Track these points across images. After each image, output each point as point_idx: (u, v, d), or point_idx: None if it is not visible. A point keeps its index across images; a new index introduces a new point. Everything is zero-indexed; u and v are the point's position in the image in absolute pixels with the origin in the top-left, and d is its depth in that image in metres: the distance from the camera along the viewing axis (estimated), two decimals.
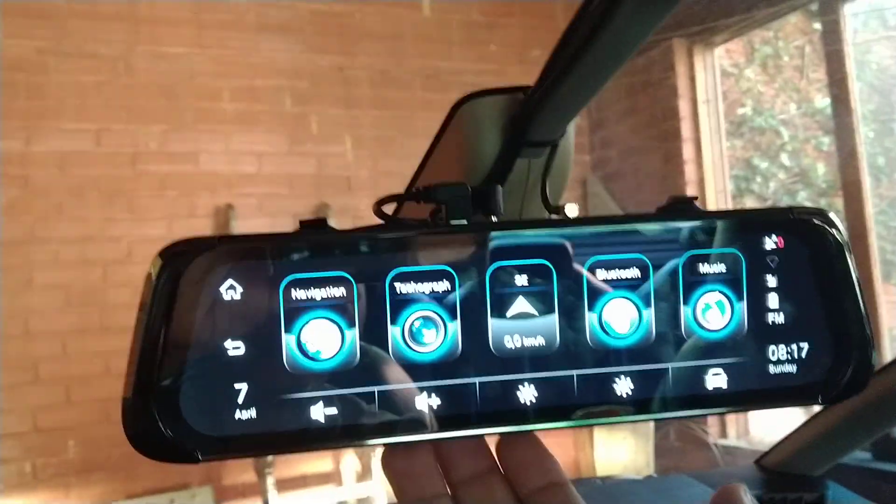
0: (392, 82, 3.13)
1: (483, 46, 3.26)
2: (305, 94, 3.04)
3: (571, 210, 0.30)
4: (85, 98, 2.74)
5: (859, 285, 0.32)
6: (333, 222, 0.30)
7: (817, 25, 2.72)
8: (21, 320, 2.61)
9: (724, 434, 2.86)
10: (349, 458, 2.82)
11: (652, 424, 2.98)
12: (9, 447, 2.56)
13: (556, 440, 3.25)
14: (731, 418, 2.86)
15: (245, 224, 2.84)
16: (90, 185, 2.73)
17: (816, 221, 0.32)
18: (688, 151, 2.99)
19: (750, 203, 3.27)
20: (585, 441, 3.23)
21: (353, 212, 3.01)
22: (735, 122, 3.35)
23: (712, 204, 3.04)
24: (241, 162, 2.93)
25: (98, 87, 2.76)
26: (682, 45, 3.01)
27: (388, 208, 0.33)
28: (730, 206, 3.12)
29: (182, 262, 0.28)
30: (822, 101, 2.89)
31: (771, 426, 2.74)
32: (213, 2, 2.92)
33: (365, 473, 2.79)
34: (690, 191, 2.99)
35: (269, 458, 2.62)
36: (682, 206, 0.31)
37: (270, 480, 2.63)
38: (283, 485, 2.70)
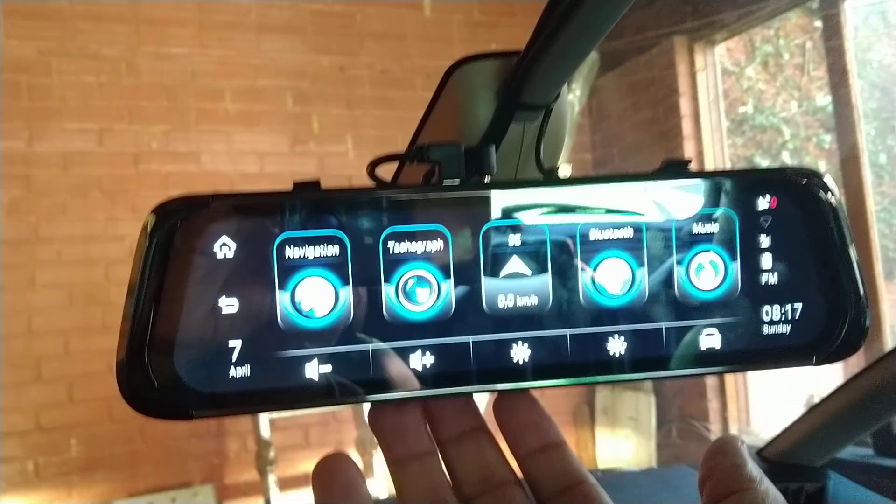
0: (393, 82, 3.14)
1: (484, 46, 3.26)
2: (307, 94, 3.04)
3: (565, 171, 0.30)
4: (88, 98, 2.75)
5: (853, 246, 0.32)
6: None
7: (818, 23, 2.72)
8: (24, 319, 2.61)
9: (726, 430, 2.85)
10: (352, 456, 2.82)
11: (654, 421, 2.98)
12: (11, 446, 2.56)
13: None
14: (734, 415, 2.86)
15: None
16: (93, 184, 2.74)
17: (810, 182, 0.32)
18: (689, 149, 2.99)
19: None
20: (588, 439, 3.23)
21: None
22: (736, 120, 3.35)
23: None
24: (243, 162, 2.94)
25: (101, 88, 2.77)
26: (683, 43, 3.01)
27: (384, 172, 0.34)
28: None
29: (176, 218, 0.28)
30: (824, 99, 2.89)
31: (773, 421, 2.73)
32: (215, 3, 2.93)
33: (367, 471, 2.79)
34: None
35: (271, 455, 2.62)
36: (675, 167, 0.32)
37: (272, 479, 2.63)
38: (285, 483, 2.70)
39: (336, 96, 3.07)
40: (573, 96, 3.33)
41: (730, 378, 2.87)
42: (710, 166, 3.03)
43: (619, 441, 3.09)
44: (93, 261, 2.70)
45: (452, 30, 3.27)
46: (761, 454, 1.04)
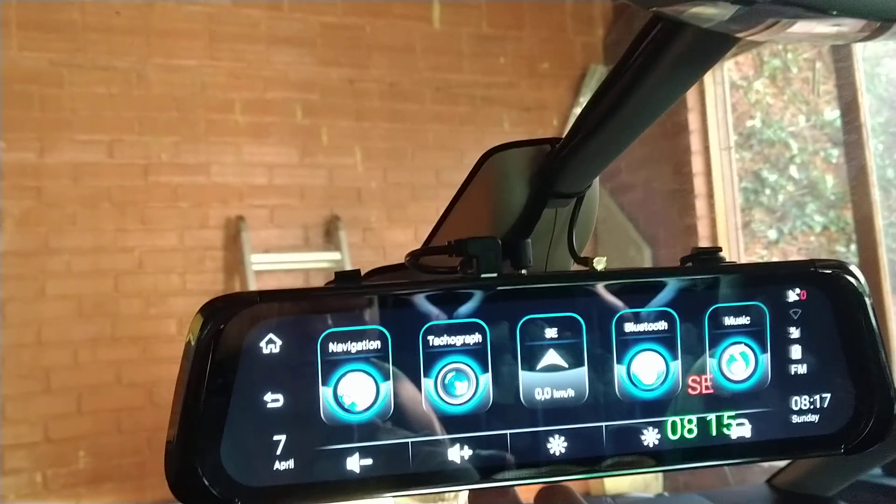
0: (402, 94, 3.15)
1: (493, 59, 3.27)
2: (316, 106, 3.05)
3: (599, 263, 0.31)
4: (98, 110, 2.76)
5: (881, 336, 0.33)
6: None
7: None
8: (33, 330, 2.62)
9: None
10: None
11: None
12: (20, 457, 2.57)
13: None
14: None
15: (256, 234, 2.85)
16: (103, 196, 2.75)
17: (837, 273, 0.32)
18: (697, 164, 3.00)
19: (759, 216, 3.27)
20: None
21: (363, 223, 3.02)
22: (744, 134, 3.35)
23: (721, 218, 3.04)
24: (252, 173, 2.95)
25: (111, 99, 2.78)
26: None
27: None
28: (739, 219, 3.11)
29: (222, 318, 0.29)
30: (832, 114, 2.89)
31: None
32: (226, 15, 2.95)
33: None
34: (700, 203, 2.98)
35: None
36: (707, 259, 0.32)
37: None
38: None
39: (345, 108, 3.08)
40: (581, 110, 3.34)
41: None
42: (717, 179, 3.02)
43: None
44: (102, 272, 2.71)
45: (461, 42, 3.28)
46: (771, 483, 1.04)
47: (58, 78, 2.71)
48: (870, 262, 2.48)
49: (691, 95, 3.00)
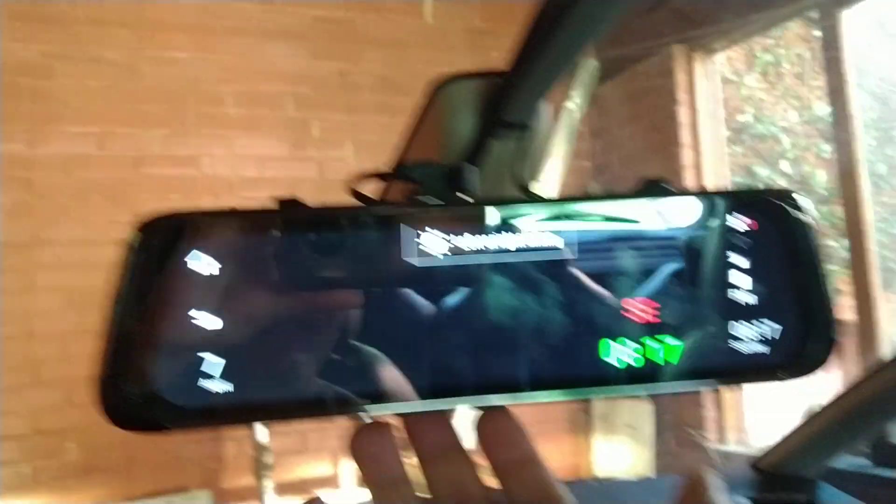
0: (394, 88, 3.15)
1: (485, 53, 3.27)
2: (308, 100, 3.05)
3: (542, 189, 0.31)
4: (89, 102, 2.76)
5: (824, 265, 0.33)
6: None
7: (818, 33, 2.72)
8: (23, 322, 2.62)
9: (722, 440, 2.85)
10: (348, 463, 2.82)
11: (651, 430, 2.97)
12: (9, 449, 2.56)
13: (556, 446, 3.25)
14: (730, 425, 2.86)
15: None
16: (93, 188, 2.75)
17: (784, 203, 0.32)
18: (688, 158, 3.00)
19: None
20: (585, 446, 3.23)
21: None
22: (736, 129, 3.35)
23: None
24: (243, 166, 2.95)
25: (102, 92, 2.78)
26: (682, 52, 3.02)
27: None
28: None
29: (158, 235, 0.29)
30: (823, 109, 2.90)
31: (769, 431, 2.73)
32: (218, 8, 2.94)
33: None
34: None
35: (269, 460, 2.63)
36: (654, 186, 0.32)
37: (269, 484, 2.63)
38: (282, 488, 2.70)
39: (336, 102, 3.08)
40: (573, 104, 3.34)
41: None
42: (708, 174, 3.03)
43: (617, 449, 3.09)
44: (93, 264, 2.69)
45: (453, 37, 3.28)
46: (755, 465, 1.04)
47: (49, 70, 2.71)
48: (859, 256, 2.49)
49: (682, 89, 3.00)
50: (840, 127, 2.52)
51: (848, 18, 2.51)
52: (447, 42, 3.27)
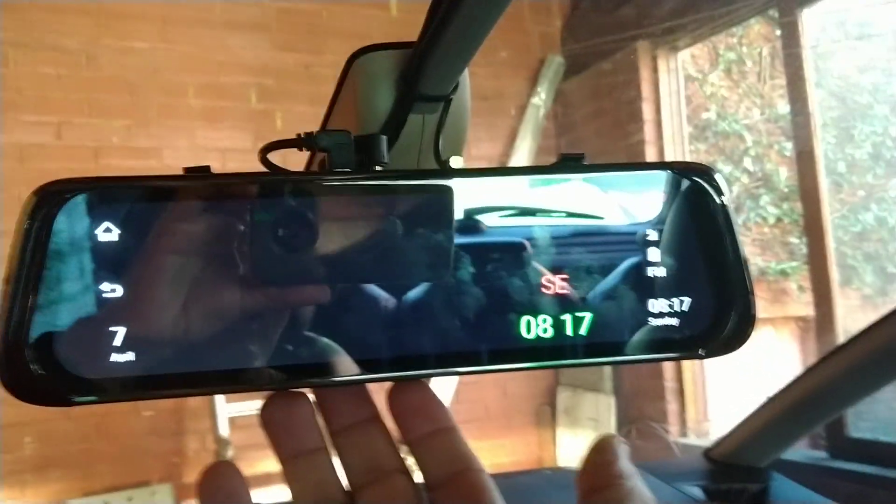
0: None
1: None
2: (271, 91, 3.03)
3: (456, 162, 0.31)
4: (45, 90, 2.71)
5: (740, 241, 0.33)
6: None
7: (779, 31, 2.76)
8: None
9: (684, 433, 2.88)
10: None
11: (614, 422, 3.00)
12: None
13: (520, 437, 3.26)
14: (692, 417, 2.89)
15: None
16: (51, 178, 2.69)
17: (697, 176, 0.32)
18: (651, 154, 3.02)
19: None
20: (549, 439, 3.25)
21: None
22: (699, 126, 3.39)
23: None
24: (205, 158, 2.90)
25: (59, 80, 2.73)
26: (647, 49, 3.04)
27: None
28: None
29: (57, 201, 0.28)
30: (785, 107, 2.94)
31: (730, 423, 2.77)
32: None
33: None
34: None
35: (230, 454, 2.60)
36: (571, 162, 0.32)
37: None
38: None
39: (300, 94, 3.06)
40: (539, 99, 3.35)
41: (688, 380, 2.90)
42: None
43: (580, 441, 3.11)
44: None
45: (419, 30, 3.27)
46: (708, 455, 1.05)
47: (2, 57, 2.65)
48: (818, 253, 2.52)
49: (646, 85, 3.03)
50: (799, 125, 2.56)
51: (808, 17, 2.54)
52: (412, 35, 3.23)
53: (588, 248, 0.32)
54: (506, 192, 0.31)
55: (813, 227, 2.53)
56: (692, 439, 2.84)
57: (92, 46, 2.78)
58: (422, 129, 0.35)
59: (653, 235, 0.32)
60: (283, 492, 0.33)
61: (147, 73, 2.85)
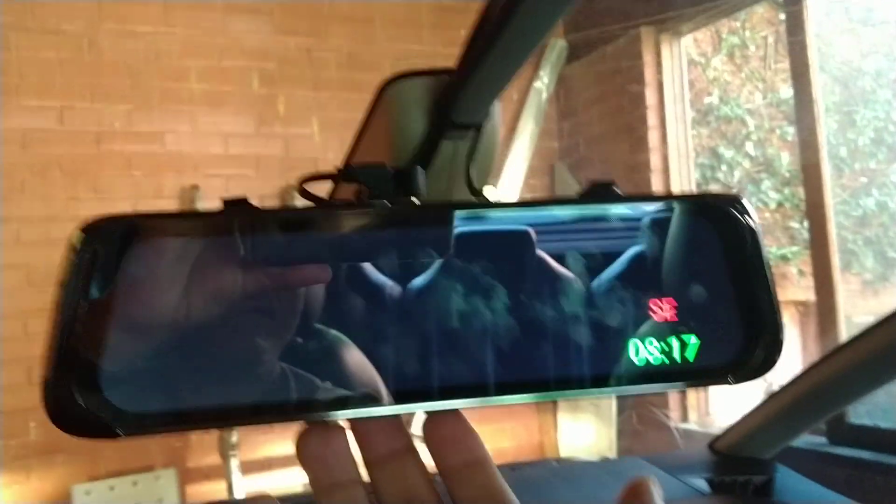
0: (361, 65, 3.12)
1: (454, 31, 3.25)
2: (273, 76, 3.02)
3: (491, 193, 0.31)
4: (48, 75, 2.70)
5: (770, 270, 0.33)
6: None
7: (783, 16, 2.75)
8: None
9: (685, 418, 2.90)
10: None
11: (614, 408, 3.02)
12: None
13: (522, 422, 3.28)
14: (693, 403, 2.91)
15: (211, 205, 2.81)
16: (53, 163, 2.70)
17: (729, 207, 0.33)
18: (653, 139, 3.02)
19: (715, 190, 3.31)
20: (550, 424, 3.27)
21: (319, 193, 2.99)
22: (702, 110, 3.38)
23: (677, 190, 3.07)
24: (207, 143, 2.91)
25: (61, 65, 2.72)
26: (650, 33, 3.03)
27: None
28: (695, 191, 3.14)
29: (103, 237, 0.28)
30: (788, 92, 2.93)
31: (731, 410, 2.79)
32: None
33: None
34: (655, 179, 3.01)
35: (234, 439, 2.62)
36: (602, 190, 0.32)
37: (235, 462, 2.63)
38: (248, 467, 2.70)
39: (302, 78, 3.05)
40: (541, 84, 3.34)
41: None
42: (673, 155, 3.05)
43: (581, 427, 3.13)
44: (53, 241, 2.66)
45: (421, 14, 3.25)
46: (712, 447, 1.06)
47: (4, 41, 2.64)
48: (820, 237, 2.53)
49: (649, 70, 3.02)
50: (802, 110, 2.55)
51: (812, 2, 2.53)
52: (414, 19, 3.24)
53: (620, 276, 0.32)
54: (544, 222, 0.32)
55: (815, 212, 2.54)
56: (693, 425, 2.86)
57: (93, 31, 2.76)
58: (452, 157, 0.35)
59: (685, 264, 0.33)
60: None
61: (149, 58, 2.84)
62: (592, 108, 3.31)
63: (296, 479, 2.75)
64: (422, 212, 0.31)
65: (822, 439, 2.27)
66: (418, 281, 0.30)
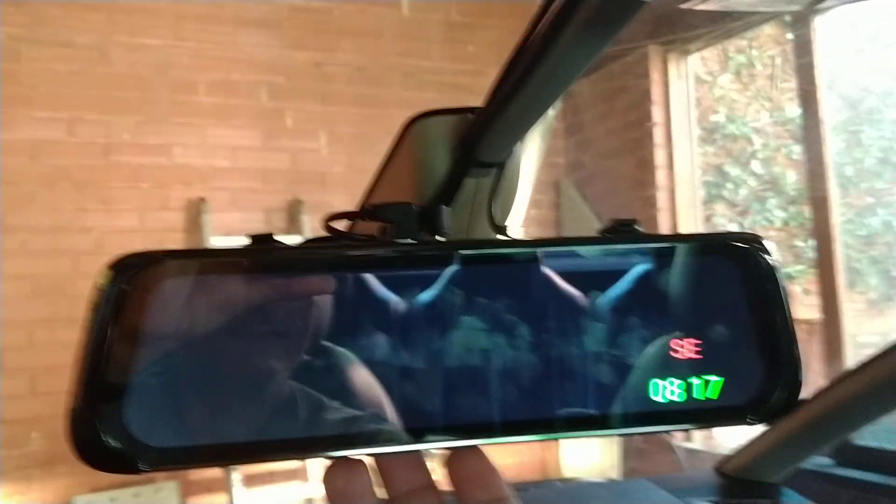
0: (370, 80, 3.13)
1: (462, 46, 3.26)
2: (282, 90, 3.03)
3: (513, 230, 0.31)
4: (58, 86, 2.71)
5: (790, 309, 0.33)
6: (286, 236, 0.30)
7: (790, 36, 2.76)
8: None
9: (689, 438, 2.89)
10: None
11: None
12: None
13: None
14: None
15: (218, 217, 2.83)
16: (62, 174, 2.71)
17: (750, 247, 0.33)
18: (660, 157, 3.02)
19: (720, 209, 3.31)
20: (552, 441, 3.25)
21: (326, 208, 3.00)
22: (708, 128, 3.38)
23: (683, 211, 3.07)
24: (215, 155, 2.92)
25: (71, 76, 2.73)
26: (658, 52, 3.04)
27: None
28: (700, 212, 3.15)
29: (130, 274, 0.28)
30: (794, 111, 2.93)
31: (733, 431, 2.77)
32: None
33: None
34: (661, 196, 3.01)
35: None
36: (624, 229, 0.32)
37: (236, 476, 2.62)
38: (250, 480, 2.69)
39: (311, 92, 3.06)
40: None
41: None
42: (680, 172, 3.05)
43: (584, 445, 3.12)
44: (60, 252, 2.67)
45: (430, 29, 3.27)
46: (719, 469, 1.05)
47: (15, 53, 2.66)
48: (826, 256, 2.52)
49: (656, 88, 3.03)
50: (809, 129, 2.56)
51: (821, 23, 2.54)
52: (424, 34, 3.26)
53: (641, 315, 0.32)
54: (565, 260, 0.32)
55: (821, 231, 2.53)
56: (697, 444, 2.85)
57: (104, 43, 2.78)
58: (474, 193, 0.35)
59: (704, 303, 0.33)
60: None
61: (158, 70, 2.85)
62: (599, 125, 3.32)
63: (297, 494, 2.75)
64: (449, 249, 0.31)
65: (828, 461, 2.25)
66: (439, 316, 0.30)
